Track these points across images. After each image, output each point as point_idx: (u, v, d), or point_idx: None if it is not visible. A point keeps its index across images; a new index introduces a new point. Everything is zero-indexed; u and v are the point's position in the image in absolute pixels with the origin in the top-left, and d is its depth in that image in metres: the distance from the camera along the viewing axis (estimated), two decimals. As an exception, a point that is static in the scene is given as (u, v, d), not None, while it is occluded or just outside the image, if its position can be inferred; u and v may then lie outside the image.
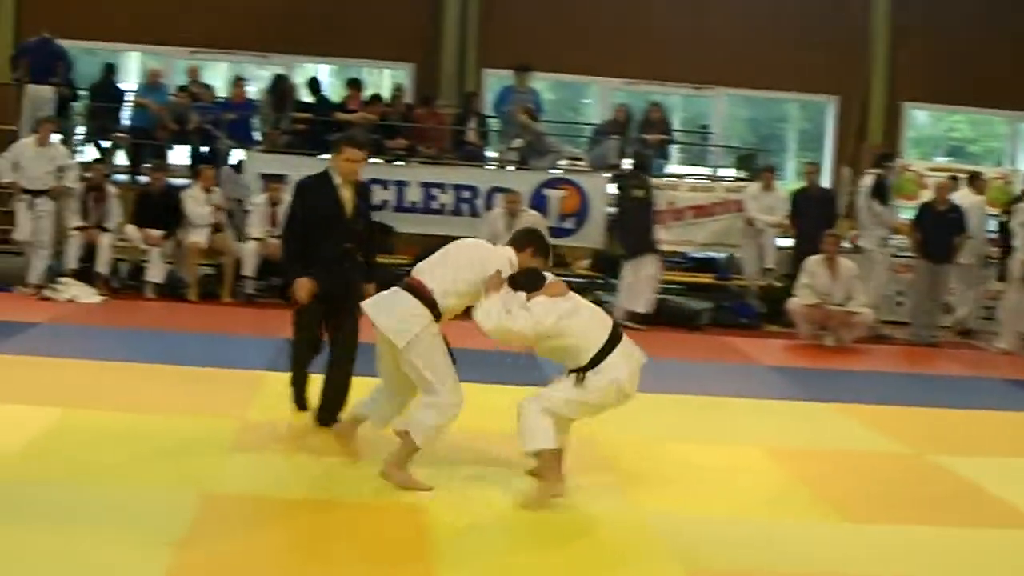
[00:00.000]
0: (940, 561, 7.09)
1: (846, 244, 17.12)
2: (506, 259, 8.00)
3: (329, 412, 9.30)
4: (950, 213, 16.37)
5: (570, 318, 7.73)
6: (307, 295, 9.28)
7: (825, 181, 21.48)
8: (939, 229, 16.26)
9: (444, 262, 8.03)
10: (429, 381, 7.80)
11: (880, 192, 17.03)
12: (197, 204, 16.20)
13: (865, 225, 17.27)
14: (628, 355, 7.86)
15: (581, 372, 7.70)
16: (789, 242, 17.79)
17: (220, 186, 16.62)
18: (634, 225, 16.18)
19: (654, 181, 17.56)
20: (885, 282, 17.18)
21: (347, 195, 9.32)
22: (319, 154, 16.70)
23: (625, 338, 7.93)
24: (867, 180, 17.50)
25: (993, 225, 18.32)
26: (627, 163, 18.45)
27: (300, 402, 9.74)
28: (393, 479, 7.79)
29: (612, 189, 18.52)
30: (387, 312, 7.90)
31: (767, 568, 6.73)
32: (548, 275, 8.11)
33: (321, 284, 9.24)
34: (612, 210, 17.96)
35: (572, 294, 7.98)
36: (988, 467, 9.38)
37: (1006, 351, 15.90)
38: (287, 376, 9.76)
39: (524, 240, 8.23)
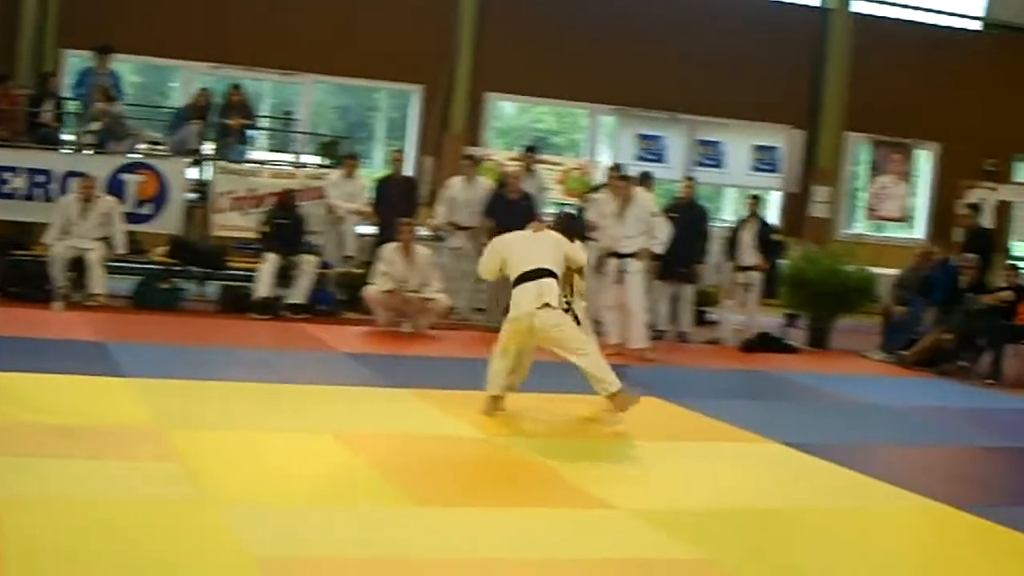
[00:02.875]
0: (508, 541, 7.21)
1: (423, 231, 17.37)
2: None
3: None
4: (521, 201, 16.76)
5: (512, 254, 10.77)
6: None
7: (409, 170, 21.70)
8: (510, 216, 16.60)
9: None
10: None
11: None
12: None
13: None
14: (523, 296, 10.47)
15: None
16: (372, 229, 17.91)
17: None
18: None
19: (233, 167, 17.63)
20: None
21: None
22: None
23: (535, 281, 10.46)
24: None
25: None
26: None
27: None
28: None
29: (193, 174, 18.27)
30: None
31: (338, 553, 6.71)
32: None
33: None
34: (192, 196, 17.76)
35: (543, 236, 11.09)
36: (549, 447, 9.69)
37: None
38: None
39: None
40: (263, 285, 16.28)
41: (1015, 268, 17.59)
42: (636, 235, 15.37)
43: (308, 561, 6.55)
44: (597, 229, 15.87)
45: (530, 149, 18.59)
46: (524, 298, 10.49)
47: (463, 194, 17.42)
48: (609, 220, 15.52)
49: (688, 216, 17.10)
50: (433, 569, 6.62)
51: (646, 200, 16.01)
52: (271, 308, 16.20)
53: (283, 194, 17.03)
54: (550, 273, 10.59)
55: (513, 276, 10.68)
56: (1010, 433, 12.64)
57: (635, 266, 15.40)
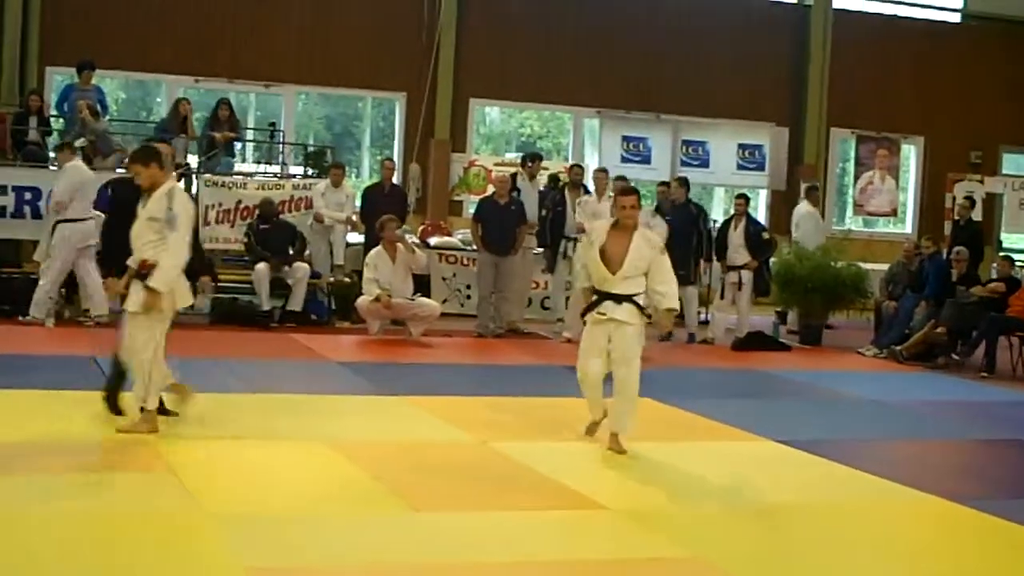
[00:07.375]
0: (503, 544, 7.23)
1: (413, 238, 17.36)
2: None
3: None
4: (510, 206, 16.75)
5: None
6: None
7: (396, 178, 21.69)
8: (500, 222, 16.63)
9: None
10: None
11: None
12: None
13: None
14: None
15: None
16: (361, 238, 17.90)
17: None
18: None
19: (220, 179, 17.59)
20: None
21: None
22: None
23: None
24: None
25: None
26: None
27: None
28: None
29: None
30: None
31: (332, 562, 6.70)
32: None
33: None
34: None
35: None
36: (542, 451, 9.68)
37: (571, 340, 16.39)
38: None
39: None
40: (263, 298, 16.35)
41: (1007, 260, 17.60)
42: None
43: (301, 570, 6.55)
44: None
45: (535, 157, 18.46)
46: None
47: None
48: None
49: (683, 216, 17.13)
50: (428, 574, 6.60)
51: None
52: (268, 319, 16.25)
53: (260, 205, 16.99)
54: None
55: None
56: (1005, 426, 12.64)
57: None
